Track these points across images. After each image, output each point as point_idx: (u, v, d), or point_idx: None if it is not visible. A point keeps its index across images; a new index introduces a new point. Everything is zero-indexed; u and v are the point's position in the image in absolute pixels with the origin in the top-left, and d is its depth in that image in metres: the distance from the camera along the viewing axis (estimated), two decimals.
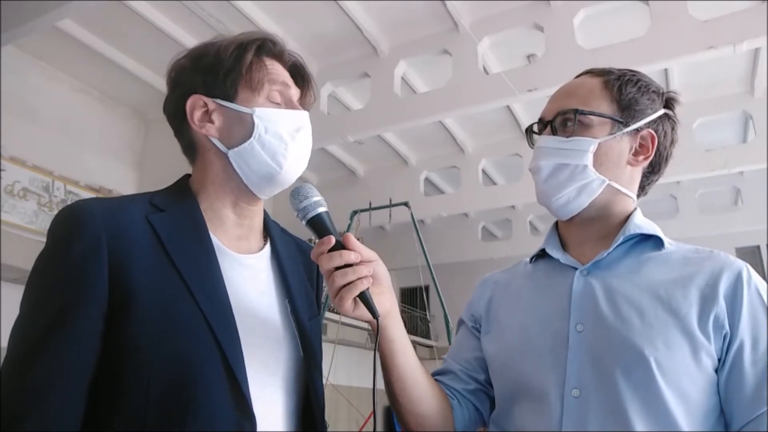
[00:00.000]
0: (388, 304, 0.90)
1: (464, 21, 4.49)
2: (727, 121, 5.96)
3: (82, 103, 5.32)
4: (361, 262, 0.84)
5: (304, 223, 0.87)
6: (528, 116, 6.10)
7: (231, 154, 0.92)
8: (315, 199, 0.87)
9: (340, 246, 0.84)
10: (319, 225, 0.86)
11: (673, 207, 7.32)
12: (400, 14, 4.57)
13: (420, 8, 4.48)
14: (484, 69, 4.64)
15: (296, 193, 0.88)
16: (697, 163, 5.43)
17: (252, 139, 0.91)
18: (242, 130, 0.92)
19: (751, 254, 8.26)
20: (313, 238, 0.89)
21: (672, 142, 1.03)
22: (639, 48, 3.84)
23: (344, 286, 0.83)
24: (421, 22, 4.63)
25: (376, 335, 0.89)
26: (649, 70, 3.95)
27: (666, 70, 4.92)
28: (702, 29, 3.65)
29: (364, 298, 0.84)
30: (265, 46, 0.96)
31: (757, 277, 0.92)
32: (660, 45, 3.78)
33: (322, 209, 0.87)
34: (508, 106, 5.57)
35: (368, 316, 0.86)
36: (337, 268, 0.83)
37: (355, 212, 5.60)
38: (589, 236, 1.01)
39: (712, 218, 7.32)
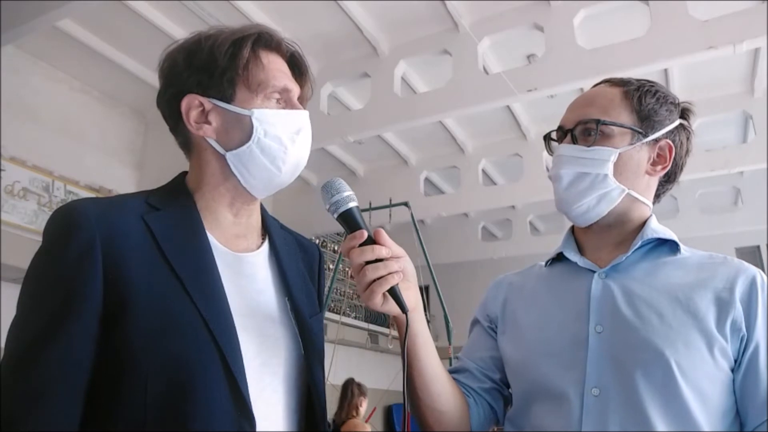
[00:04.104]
0: (414, 299, 0.91)
1: (464, 21, 4.49)
2: (727, 121, 5.95)
3: (82, 103, 5.31)
4: (391, 257, 0.85)
5: (335, 217, 0.88)
6: (528, 116, 6.09)
7: (229, 156, 0.91)
8: (346, 193, 0.88)
9: (371, 241, 0.86)
10: (350, 219, 0.88)
11: (673, 207, 7.31)
12: (400, 14, 4.56)
13: (420, 8, 4.47)
14: (484, 69, 4.63)
15: (328, 187, 0.88)
16: (697, 163, 5.42)
17: (251, 142, 0.90)
18: (240, 132, 0.90)
19: (751, 254, 8.25)
20: (315, 237, 0.90)
21: (687, 151, 1.06)
22: (639, 48, 3.84)
23: (375, 280, 0.84)
24: (421, 22, 4.63)
25: (404, 331, 0.90)
26: (649, 70, 3.96)
27: (666, 70, 4.91)
28: (702, 29, 3.65)
29: (394, 292, 0.86)
30: (260, 40, 0.92)
31: None
32: (660, 45, 3.77)
33: (353, 204, 0.88)
34: (508, 106, 5.56)
35: (396, 310, 0.88)
36: (368, 263, 0.84)
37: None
38: (607, 242, 1.04)
39: (712, 218, 7.31)
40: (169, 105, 0.93)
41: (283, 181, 0.94)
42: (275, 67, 0.94)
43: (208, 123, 0.91)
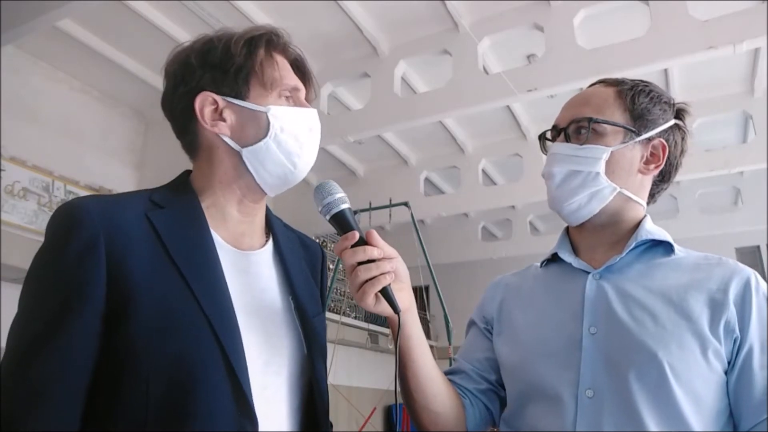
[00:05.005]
0: (407, 300, 0.92)
1: (464, 21, 4.49)
2: (727, 121, 5.95)
3: (82, 103, 5.31)
4: (383, 258, 0.86)
5: (327, 218, 0.89)
6: (528, 116, 6.09)
7: (245, 153, 0.91)
8: (339, 195, 0.88)
9: (363, 242, 0.86)
10: (342, 221, 0.88)
11: (673, 207, 7.31)
12: (400, 14, 4.56)
13: (420, 8, 4.47)
14: (484, 69, 4.64)
15: (320, 189, 0.89)
16: (697, 163, 5.43)
17: (268, 138, 0.91)
18: (256, 128, 0.91)
19: (751, 254, 8.24)
20: (316, 237, 0.91)
21: (682, 151, 1.07)
22: (639, 48, 3.84)
23: (367, 281, 0.85)
24: (421, 22, 4.63)
25: (396, 332, 0.90)
26: (649, 70, 3.96)
27: (666, 70, 4.91)
28: (702, 29, 3.65)
29: (386, 293, 0.86)
30: (272, 41, 0.94)
31: (764, 284, 0.94)
32: (660, 45, 3.78)
33: (345, 206, 0.88)
34: (508, 106, 5.56)
35: (389, 311, 0.88)
36: (360, 263, 0.85)
37: (355, 212, 5.58)
38: (600, 242, 1.04)
39: (712, 218, 7.31)
40: (180, 104, 0.93)
41: (296, 177, 0.96)
42: (286, 67, 0.96)
43: (223, 120, 0.91)
